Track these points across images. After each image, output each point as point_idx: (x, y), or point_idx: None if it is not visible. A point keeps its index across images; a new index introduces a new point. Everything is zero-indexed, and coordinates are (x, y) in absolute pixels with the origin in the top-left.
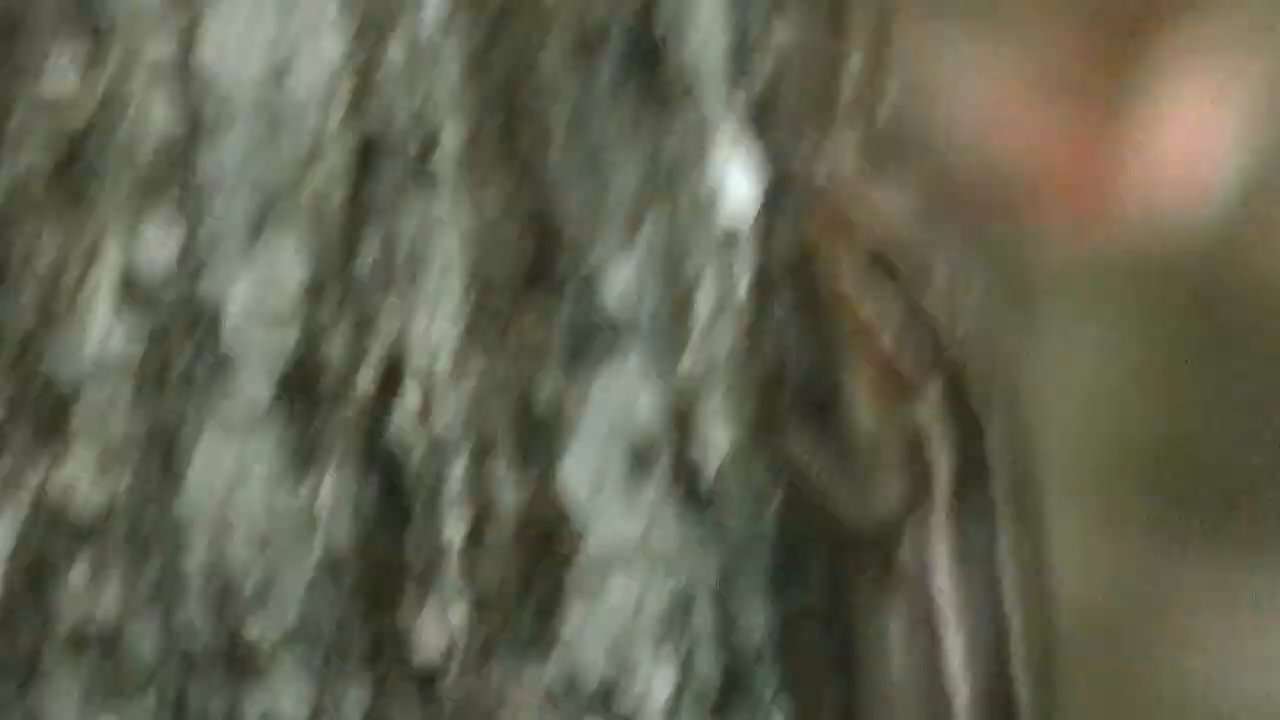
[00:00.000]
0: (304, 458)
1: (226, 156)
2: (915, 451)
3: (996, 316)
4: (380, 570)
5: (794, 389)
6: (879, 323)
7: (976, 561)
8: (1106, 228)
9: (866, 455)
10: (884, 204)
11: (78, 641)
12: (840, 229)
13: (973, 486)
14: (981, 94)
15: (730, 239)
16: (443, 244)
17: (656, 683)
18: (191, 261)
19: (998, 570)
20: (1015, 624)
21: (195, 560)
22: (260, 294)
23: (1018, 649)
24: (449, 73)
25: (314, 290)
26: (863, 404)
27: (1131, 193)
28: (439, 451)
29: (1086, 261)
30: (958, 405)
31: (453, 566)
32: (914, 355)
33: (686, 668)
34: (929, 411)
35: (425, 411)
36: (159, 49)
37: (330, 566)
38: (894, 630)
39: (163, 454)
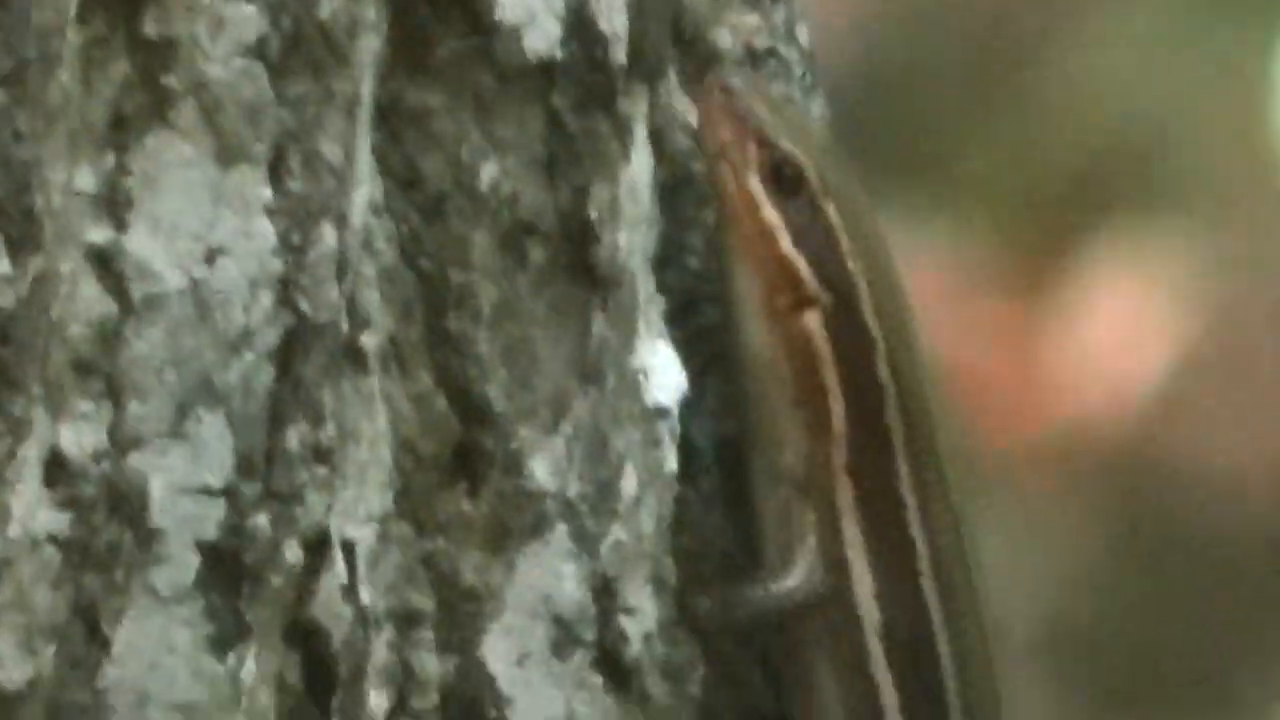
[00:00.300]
0: (230, 629)
1: (156, 338)
2: (806, 362)
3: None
4: None
5: (719, 559)
6: (778, 227)
7: (878, 490)
8: (1035, 420)
9: (757, 371)
10: (794, 121)
11: None
12: (747, 134)
13: (868, 413)
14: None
15: (657, 416)
16: (371, 420)
17: None
18: (119, 439)
19: (901, 493)
20: (921, 546)
21: None
22: (188, 470)
23: (926, 571)
24: (381, 257)
25: (241, 466)
26: (754, 314)
27: (1058, 386)
28: (364, 623)
29: (1017, 452)
30: (849, 318)
31: None
32: (810, 263)
33: None
34: (819, 321)
35: (351, 584)
36: (92, 233)
37: None
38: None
39: (88, 626)
